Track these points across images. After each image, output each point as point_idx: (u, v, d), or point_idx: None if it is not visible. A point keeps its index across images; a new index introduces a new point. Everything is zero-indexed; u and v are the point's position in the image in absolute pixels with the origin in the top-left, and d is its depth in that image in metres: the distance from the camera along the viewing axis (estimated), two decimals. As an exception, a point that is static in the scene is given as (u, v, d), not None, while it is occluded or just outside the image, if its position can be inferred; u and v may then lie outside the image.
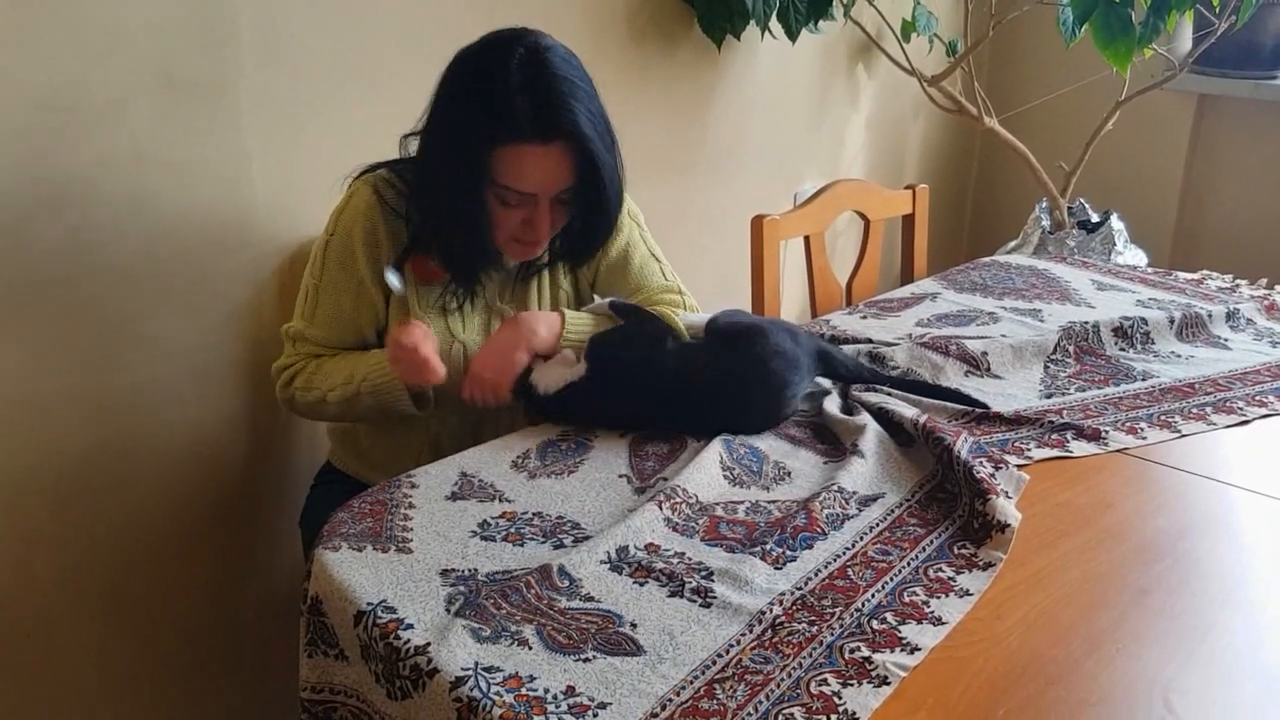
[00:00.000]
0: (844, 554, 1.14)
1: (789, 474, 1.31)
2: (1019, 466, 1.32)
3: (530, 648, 0.98)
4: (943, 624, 1.03)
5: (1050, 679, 0.97)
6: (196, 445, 1.69)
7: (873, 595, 1.07)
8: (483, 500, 1.24)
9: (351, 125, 1.53)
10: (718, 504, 1.24)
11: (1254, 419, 1.49)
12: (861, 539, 1.17)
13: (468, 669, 0.94)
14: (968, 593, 1.08)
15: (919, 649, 0.99)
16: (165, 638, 1.73)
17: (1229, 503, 1.31)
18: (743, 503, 1.24)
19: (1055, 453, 1.38)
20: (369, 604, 1.03)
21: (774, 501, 1.25)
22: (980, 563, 1.13)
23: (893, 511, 1.23)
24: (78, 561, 1.60)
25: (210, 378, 1.68)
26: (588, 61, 1.42)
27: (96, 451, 1.58)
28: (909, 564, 1.13)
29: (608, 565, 1.10)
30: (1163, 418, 1.48)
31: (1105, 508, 1.27)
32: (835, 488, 1.25)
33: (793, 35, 2.36)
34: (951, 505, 1.24)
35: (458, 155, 1.37)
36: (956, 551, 1.16)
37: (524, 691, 0.92)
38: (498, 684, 0.93)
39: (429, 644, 0.97)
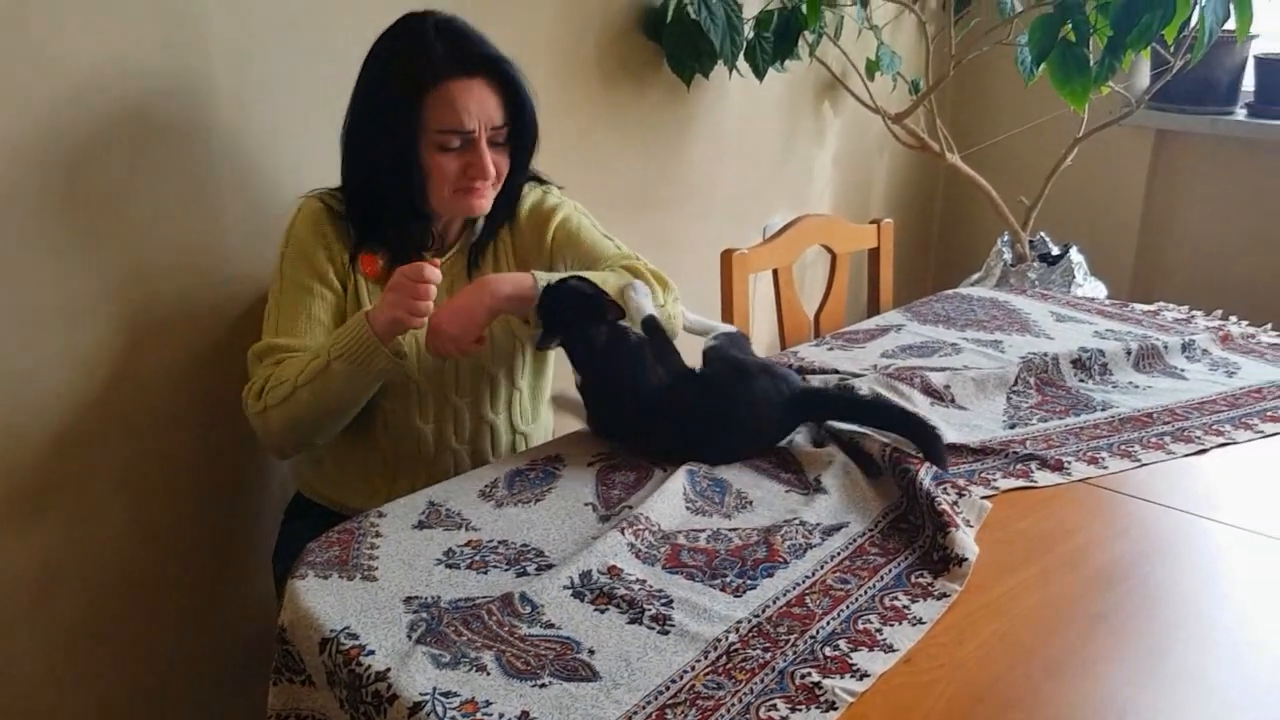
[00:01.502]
0: (803, 582, 1.15)
1: (750, 503, 1.32)
2: (986, 497, 1.34)
3: (488, 673, 0.98)
4: (894, 651, 1.04)
5: (1010, 702, 0.98)
6: (170, 479, 1.69)
7: (828, 623, 1.08)
8: (449, 529, 1.24)
9: (323, 165, 1.55)
10: (679, 532, 1.24)
11: (1211, 448, 1.51)
12: (822, 567, 1.18)
13: (425, 694, 0.94)
14: (920, 621, 1.09)
15: (869, 675, 1.00)
16: (136, 673, 1.71)
17: (1185, 529, 1.33)
18: (704, 531, 1.25)
19: (1020, 483, 1.40)
20: (333, 630, 1.04)
21: (735, 529, 1.26)
22: (936, 593, 1.14)
23: (855, 541, 1.24)
24: (48, 597, 1.59)
25: (184, 412, 1.67)
26: (560, 104, 1.46)
27: (71, 485, 1.57)
28: (866, 592, 1.14)
29: (570, 591, 1.11)
30: (1122, 447, 1.50)
31: (1064, 535, 1.29)
32: (797, 521, 1.27)
33: (759, 74, 2.40)
34: (913, 535, 1.25)
35: (391, 118, 1.43)
36: (914, 581, 1.17)
37: (479, 716, 0.92)
38: (454, 709, 0.93)
39: (389, 669, 0.97)
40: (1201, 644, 1.10)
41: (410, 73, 1.42)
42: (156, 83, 1.54)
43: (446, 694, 0.94)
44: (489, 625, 1.05)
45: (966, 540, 1.20)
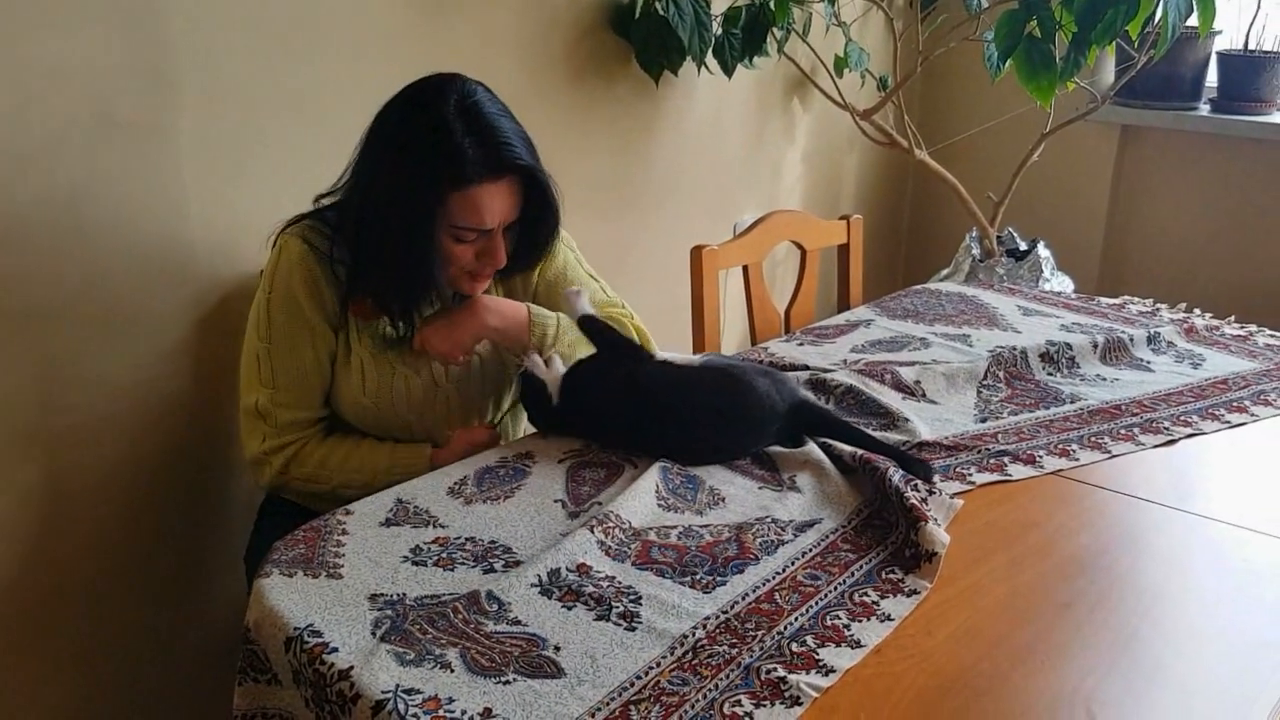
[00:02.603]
0: (773, 578, 1.15)
1: (723, 499, 1.32)
2: (961, 493, 1.34)
3: (452, 670, 0.97)
4: (861, 646, 1.04)
5: (978, 691, 0.99)
6: (138, 483, 1.67)
7: (796, 619, 1.08)
8: (416, 526, 1.23)
9: (290, 165, 1.53)
10: (650, 529, 1.24)
11: (1180, 438, 1.53)
12: (793, 564, 1.18)
13: (388, 691, 0.94)
14: (889, 617, 1.09)
15: (834, 670, 1.00)
16: (104, 677, 1.69)
17: (1150, 519, 1.34)
18: (675, 527, 1.25)
19: (995, 477, 1.40)
20: (297, 629, 1.03)
21: (706, 526, 1.25)
22: (906, 589, 1.14)
23: (827, 537, 1.24)
24: (16, 601, 1.57)
25: (151, 415, 1.66)
26: (526, 100, 1.46)
27: (37, 490, 1.55)
28: (835, 589, 1.14)
29: (538, 589, 1.10)
30: (1093, 439, 1.51)
31: (1031, 525, 1.30)
32: (769, 518, 1.26)
33: (728, 71, 2.40)
34: (886, 532, 1.25)
35: (409, 204, 1.40)
36: (884, 577, 1.16)
37: (441, 713, 0.92)
38: (416, 705, 0.92)
39: (352, 668, 0.97)
40: (1166, 632, 1.11)
41: (439, 172, 1.38)
42: (123, 82, 1.52)
43: (409, 691, 0.94)
44: (454, 623, 1.04)
45: (938, 533, 1.20)
